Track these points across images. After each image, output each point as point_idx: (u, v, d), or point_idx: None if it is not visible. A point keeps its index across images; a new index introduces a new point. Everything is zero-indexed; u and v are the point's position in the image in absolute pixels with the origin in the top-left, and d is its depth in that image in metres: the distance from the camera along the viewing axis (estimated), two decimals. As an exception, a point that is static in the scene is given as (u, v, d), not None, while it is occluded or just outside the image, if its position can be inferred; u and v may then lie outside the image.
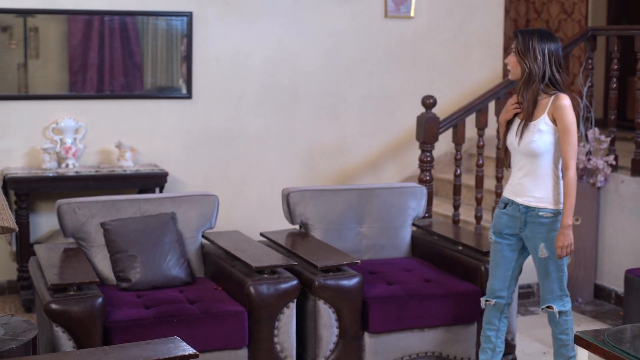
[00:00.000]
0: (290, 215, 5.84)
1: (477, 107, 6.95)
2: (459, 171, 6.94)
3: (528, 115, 4.77)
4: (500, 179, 7.00)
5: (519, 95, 4.84)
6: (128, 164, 7.03)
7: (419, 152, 6.93)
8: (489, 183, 7.41)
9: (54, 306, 4.51)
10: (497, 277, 5.02)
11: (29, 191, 6.71)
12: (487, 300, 5.05)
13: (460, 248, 5.72)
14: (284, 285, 4.96)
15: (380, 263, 5.78)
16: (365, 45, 7.94)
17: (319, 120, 7.86)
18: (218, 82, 7.51)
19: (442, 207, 7.66)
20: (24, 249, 6.72)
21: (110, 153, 7.22)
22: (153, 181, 6.98)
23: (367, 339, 5.19)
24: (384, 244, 5.96)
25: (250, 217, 7.59)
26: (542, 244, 4.80)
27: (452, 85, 8.21)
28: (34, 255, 5.37)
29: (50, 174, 6.75)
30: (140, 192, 6.96)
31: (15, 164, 7.02)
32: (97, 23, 7.12)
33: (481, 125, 6.96)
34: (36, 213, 7.11)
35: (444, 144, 7.90)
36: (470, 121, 7.17)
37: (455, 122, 6.91)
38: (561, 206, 4.76)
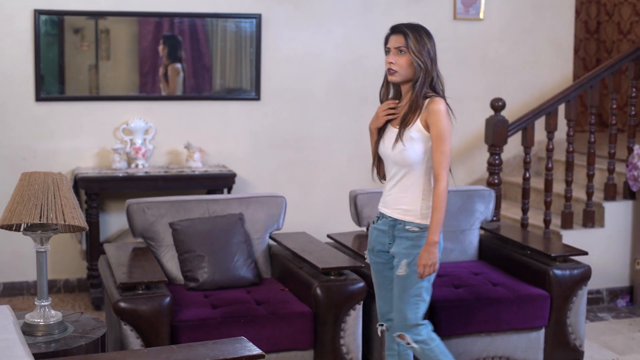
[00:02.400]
0: (358, 217, 5.84)
1: (547, 110, 6.87)
2: (527, 174, 6.87)
3: (403, 122, 4.33)
4: (570, 183, 6.92)
5: (401, 99, 4.43)
6: (197, 165, 7.08)
7: (487, 155, 6.87)
8: (559, 187, 7.33)
9: (122, 305, 4.56)
10: (381, 299, 4.54)
11: (99, 191, 6.79)
12: (380, 325, 4.58)
13: (529, 252, 5.67)
14: (350, 287, 4.96)
15: (448, 266, 5.75)
16: (434, 47, 7.90)
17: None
18: (286, 84, 7.53)
19: (511, 211, 7.59)
20: (94, 248, 6.80)
21: (179, 154, 7.28)
22: (221, 182, 7.02)
23: (434, 342, 5.16)
24: (451, 248, 5.93)
25: (317, 218, 7.59)
26: (405, 260, 4.30)
27: (521, 87, 8.13)
28: (104, 254, 5.43)
29: (120, 174, 6.83)
30: (209, 192, 7.01)
31: (86, 164, 7.11)
32: (167, 25, 7.19)
33: (551, 128, 6.89)
34: (106, 212, 7.19)
35: (512, 146, 7.83)
36: (540, 124, 7.10)
37: (525, 125, 6.84)
38: (429, 221, 4.28)
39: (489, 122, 6.73)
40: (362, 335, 5.09)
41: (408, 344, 4.35)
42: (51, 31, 6.97)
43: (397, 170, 4.39)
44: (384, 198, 4.48)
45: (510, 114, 7.28)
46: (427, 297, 4.37)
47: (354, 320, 4.98)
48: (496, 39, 8.06)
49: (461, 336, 5.20)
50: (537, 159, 8.14)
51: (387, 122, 4.46)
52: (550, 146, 6.88)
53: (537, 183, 7.59)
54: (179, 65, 7.25)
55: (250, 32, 7.36)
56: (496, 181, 6.71)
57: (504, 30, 8.08)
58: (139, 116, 7.15)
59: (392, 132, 4.40)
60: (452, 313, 5.13)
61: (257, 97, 7.45)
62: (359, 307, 5.00)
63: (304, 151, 7.64)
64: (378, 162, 4.58)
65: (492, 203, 6.09)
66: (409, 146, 4.30)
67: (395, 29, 4.35)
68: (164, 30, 7.18)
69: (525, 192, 6.89)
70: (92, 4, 7.02)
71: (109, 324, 4.90)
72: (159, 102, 7.25)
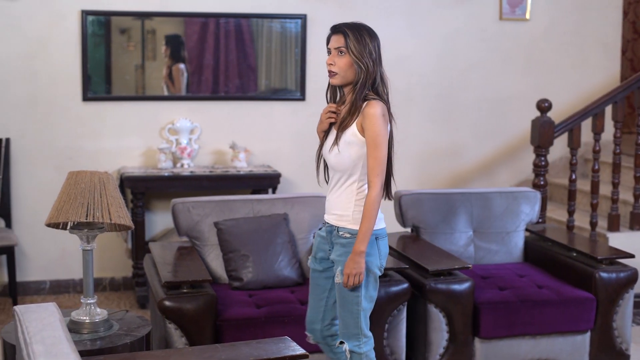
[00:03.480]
0: (402, 218, 5.82)
1: (594, 111, 6.81)
2: (574, 176, 6.82)
3: (341, 125, 4.16)
4: (616, 185, 6.85)
5: (342, 103, 4.25)
6: (242, 165, 7.10)
7: (533, 156, 6.83)
8: (605, 189, 7.26)
9: (167, 303, 4.58)
10: (310, 307, 4.40)
11: (145, 190, 6.83)
12: (306, 335, 4.48)
13: (575, 254, 5.62)
14: (394, 288, 4.95)
15: (493, 268, 5.72)
16: (479, 47, 7.87)
17: (432, 122, 7.82)
18: (331, 84, 7.52)
19: (557, 213, 7.53)
20: (139, 247, 6.85)
21: (224, 154, 7.30)
22: (266, 182, 7.04)
23: (478, 344, 5.14)
24: (496, 249, 5.90)
25: (361, 219, 7.58)
26: (340, 267, 4.13)
27: (567, 88, 8.07)
28: (149, 252, 5.47)
29: (166, 174, 6.86)
30: (253, 192, 7.03)
31: (132, 163, 7.16)
32: (213, 25, 7.22)
33: (597, 130, 6.83)
34: (151, 211, 7.24)
35: (559, 148, 7.78)
36: (586, 125, 7.04)
37: (571, 126, 6.79)
38: None
39: (535, 123, 6.68)
40: (407, 336, 5.08)
41: (346, 350, 4.22)
42: (98, 32, 7.03)
43: (334, 174, 4.24)
44: (326, 204, 4.33)
45: (556, 115, 7.22)
46: (367, 306, 4.18)
47: (398, 321, 4.97)
48: (542, 39, 8.00)
49: (505, 338, 5.17)
50: (584, 160, 8.07)
51: (332, 125, 4.27)
52: (597, 148, 6.82)
53: (583, 185, 7.53)
54: (182, 66, 7.26)
55: (295, 33, 7.37)
56: (542, 183, 6.67)
57: (550, 30, 8.02)
58: (185, 116, 7.18)
59: (332, 135, 4.24)
60: (496, 315, 5.11)
61: (302, 97, 7.46)
62: (403, 308, 4.99)
63: (349, 151, 7.62)
64: (325, 167, 4.38)
65: (537, 205, 6.05)
66: (344, 150, 4.13)
67: (336, 29, 4.17)
68: (209, 30, 7.21)
69: (572, 194, 6.84)
70: (139, 5, 7.06)
71: (153, 322, 4.93)
72: (204, 102, 7.28)
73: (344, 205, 4.18)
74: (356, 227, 4.13)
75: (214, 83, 7.30)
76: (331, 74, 4.16)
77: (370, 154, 4.05)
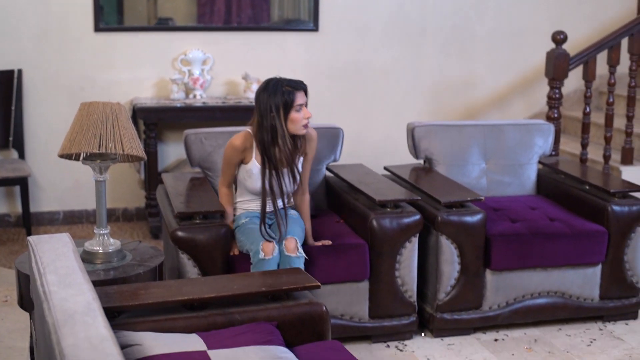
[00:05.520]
0: (415, 150, 5.81)
1: (609, 43, 6.75)
2: (588, 109, 6.78)
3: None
4: (631, 118, 6.82)
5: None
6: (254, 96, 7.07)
7: (547, 88, 6.79)
8: (619, 122, 7.23)
9: (180, 234, 4.60)
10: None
11: (157, 121, 6.83)
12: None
13: (587, 188, 5.61)
14: (406, 220, 4.95)
15: (505, 200, 5.72)
16: (494, -22, 7.79)
17: (446, 54, 7.77)
18: (345, 15, 7.47)
19: (570, 146, 7.51)
20: (152, 178, 6.86)
21: (237, 84, 7.28)
22: (278, 113, 7.01)
23: (489, 276, 5.16)
24: (509, 182, 5.89)
25: (374, 150, 7.58)
26: None
27: (583, 20, 7.99)
28: (162, 183, 5.47)
29: (178, 105, 6.85)
30: (266, 124, 7.00)
31: (144, 94, 7.15)
32: (226, -46, 7.15)
33: (613, 63, 6.77)
34: (164, 142, 7.24)
35: (573, 80, 7.73)
36: (602, 58, 6.98)
37: (586, 58, 6.73)
38: None
39: (549, 55, 6.63)
40: (418, 268, 5.10)
41: None
42: (110, -39, 6.98)
43: None
44: None
45: (571, 47, 7.16)
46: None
47: (410, 252, 4.99)
48: (559, -30, 7.91)
49: (516, 270, 5.19)
50: (598, 93, 8.03)
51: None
52: (612, 80, 6.78)
53: (597, 118, 7.50)
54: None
55: (308, -38, 7.31)
56: (556, 115, 6.64)
57: (567, -39, 7.93)
58: (197, 47, 7.15)
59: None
60: (507, 247, 5.11)
61: (315, 28, 7.41)
62: (415, 240, 5.00)
63: (362, 83, 7.60)
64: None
65: (551, 137, 6.02)
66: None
67: (303, 86, 4.79)
68: (222, -40, 7.15)
69: (585, 127, 6.81)
70: None
71: (166, 253, 4.95)
72: (217, 33, 7.24)
73: None
74: None
75: (227, 13, 7.25)
76: (307, 126, 4.78)
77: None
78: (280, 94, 4.67)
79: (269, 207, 4.79)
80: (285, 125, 4.68)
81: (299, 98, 4.69)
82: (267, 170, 4.75)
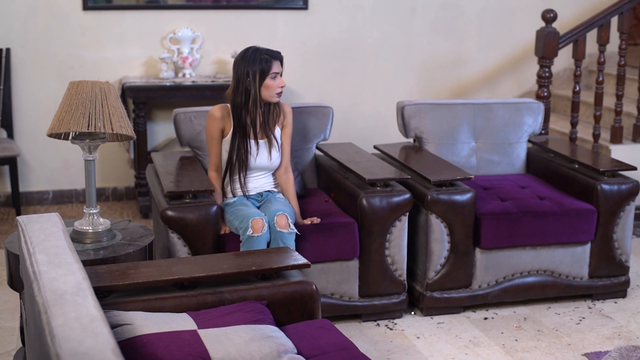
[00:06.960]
0: (405, 129, 5.81)
1: (599, 22, 6.75)
2: (577, 88, 6.79)
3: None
4: (620, 97, 6.82)
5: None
6: (243, 75, 7.05)
7: (537, 67, 6.79)
8: (609, 100, 7.24)
9: (170, 213, 4.59)
10: None
11: (147, 100, 6.81)
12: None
13: (577, 166, 5.62)
14: (396, 199, 4.96)
15: (494, 179, 5.73)
16: (484, -44, 7.77)
17: (435, 33, 7.76)
18: (334, -6, 7.45)
19: (559, 124, 7.52)
20: (142, 157, 6.85)
21: (227, 63, 7.26)
22: (268, 92, 6.99)
23: (478, 254, 5.17)
24: (498, 160, 5.90)
25: (364, 129, 7.58)
26: None
27: (573, -2, 7.99)
28: (151, 162, 5.47)
29: (167, 83, 6.83)
30: (255, 102, 6.99)
31: (134, 73, 7.12)
32: None
33: (602, 41, 6.77)
34: (153, 121, 7.23)
35: (563, 59, 7.73)
36: (592, 36, 6.98)
37: (576, 37, 6.73)
38: None
39: (539, 33, 6.63)
40: (407, 247, 5.11)
41: None
42: (98, -62, 6.94)
43: None
44: None
45: (561, 25, 7.16)
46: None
47: (400, 231, 4.99)
48: (549, -52, 7.90)
49: (506, 249, 5.20)
50: (588, 72, 8.03)
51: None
52: (602, 59, 6.78)
53: (587, 96, 7.50)
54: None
55: (298, -60, 7.28)
56: (545, 94, 6.64)
57: (557, -61, 7.91)
58: (186, 25, 7.13)
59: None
60: (497, 225, 5.12)
61: (305, 7, 7.39)
62: (405, 219, 5.00)
63: (352, 61, 7.59)
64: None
65: (540, 116, 6.03)
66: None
67: (279, 56, 4.90)
68: (211, -62, 7.11)
69: (575, 106, 6.81)
70: None
71: (156, 232, 4.95)
72: (206, 11, 7.22)
73: None
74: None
75: (216, -8, 7.22)
76: (280, 95, 4.92)
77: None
78: (258, 62, 4.81)
79: (242, 177, 4.94)
80: (258, 91, 4.83)
81: (275, 67, 4.84)
82: (237, 135, 4.88)
